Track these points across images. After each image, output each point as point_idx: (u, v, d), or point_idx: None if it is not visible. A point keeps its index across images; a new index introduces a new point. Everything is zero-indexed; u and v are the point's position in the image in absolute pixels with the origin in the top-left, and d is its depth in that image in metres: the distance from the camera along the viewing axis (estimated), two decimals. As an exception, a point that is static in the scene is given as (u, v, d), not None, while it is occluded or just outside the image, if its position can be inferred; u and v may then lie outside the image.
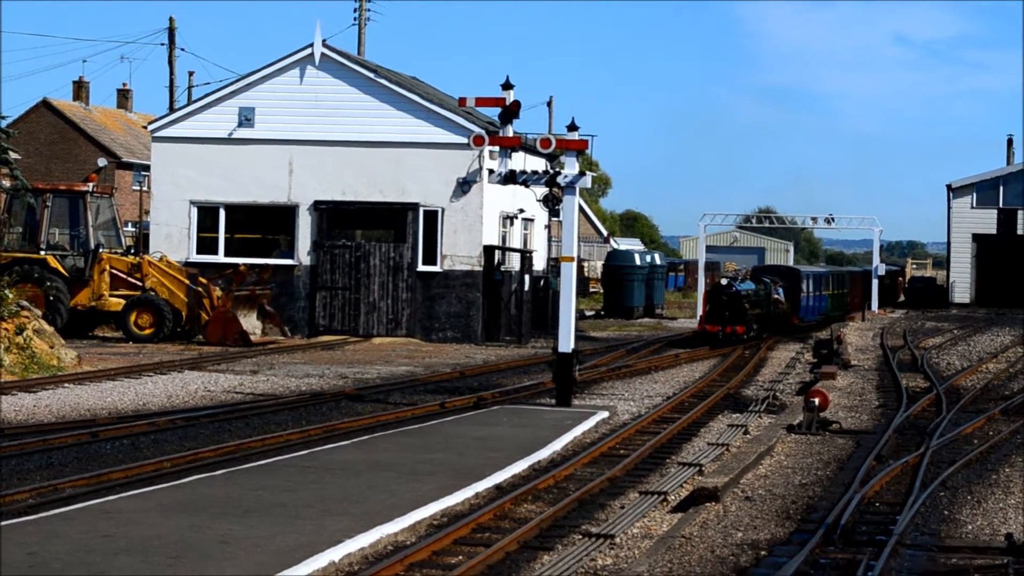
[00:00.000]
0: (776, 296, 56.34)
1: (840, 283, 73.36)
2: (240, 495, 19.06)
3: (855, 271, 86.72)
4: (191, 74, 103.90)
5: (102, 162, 60.65)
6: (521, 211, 55.31)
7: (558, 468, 22.83)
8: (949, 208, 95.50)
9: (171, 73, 74.47)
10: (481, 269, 51.38)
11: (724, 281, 52.24)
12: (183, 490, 19.52)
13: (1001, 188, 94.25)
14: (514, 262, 55.32)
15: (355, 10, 78.10)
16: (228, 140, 52.29)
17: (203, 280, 47.99)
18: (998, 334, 61.56)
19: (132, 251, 50.97)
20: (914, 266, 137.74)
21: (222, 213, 52.61)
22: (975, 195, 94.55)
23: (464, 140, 46.44)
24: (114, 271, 47.99)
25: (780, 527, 19.21)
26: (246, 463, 22.24)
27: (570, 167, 31.90)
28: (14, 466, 22.29)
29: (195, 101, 55.63)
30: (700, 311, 53.90)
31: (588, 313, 75.87)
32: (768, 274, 59.97)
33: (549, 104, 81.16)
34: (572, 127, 31.97)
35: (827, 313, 67.88)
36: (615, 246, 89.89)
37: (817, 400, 28.93)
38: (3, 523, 16.95)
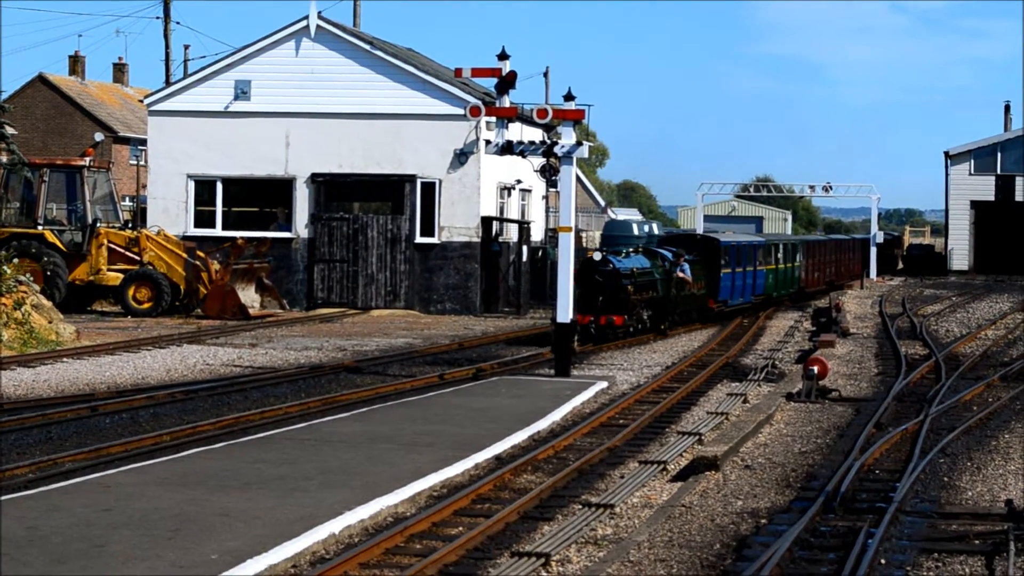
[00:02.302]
0: (681, 274, 44.20)
1: (789, 254, 60.72)
2: (239, 468, 19.06)
3: (817, 239, 74.48)
4: (187, 47, 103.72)
5: (99, 136, 60.44)
6: (518, 182, 55.24)
7: (557, 438, 22.83)
8: (947, 175, 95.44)
9: (167, 47, 74.29)
10: (479, 240, 51.33)
11: (597, 256, 40.23)
12: (182, 463, 19.52)
13: (999, 155, 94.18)
14: (512, 233, 55.28)
15: (350, -18, 77.92)
16: (224, 113, 52.20)
17: (201, 254, 47.95)
18: (997, 301, 61.57)
19: (130, 225, 50.92)
20: (912, 234, 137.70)
21: (219, 186, 52.55)
22: (973, 162, 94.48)
23: (461, 111, 46.40)
24: (112, 245, 47.94)
25: (780, 495, 19.21)
26: (245, 436, 22.25)
27: (567, 137, 31.84)
28: (13, 441, 22.29)
29: (191, 75, 55.55)
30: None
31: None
32: (674, 245, 47.75)
33: (546, 74, 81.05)
34: (569, 97, 31.89)
35: (766, 293, 56.01)
36: (613, 216, 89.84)
37: (816, 368, 28.93)
38: (3, 497, 16.95)
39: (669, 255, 44.33)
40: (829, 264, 73.45)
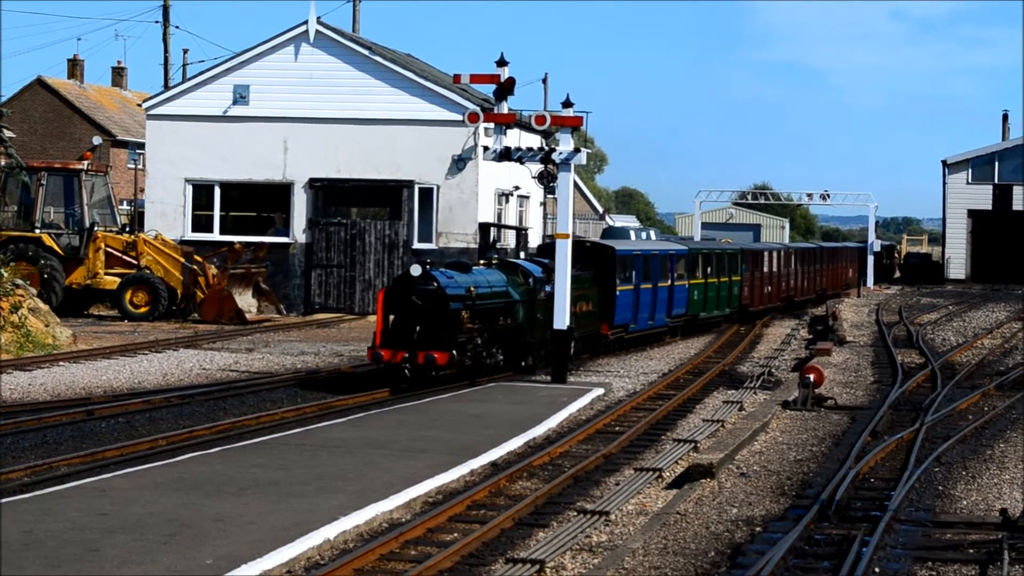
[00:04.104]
0: (548, 293, 33.17)
1: (726, 265, 51.16)
2: (235, 473, 19.07)
3: (770, 246, 62.99)
4: (186, 52, 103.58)
5: (97, 140, 60.47)
6: (516, 188, 55.27)
7: (553, 445, 22.85)
8: (944, 184, 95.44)
9: (166, 51, 74.36)
10: (476, 246, 51.33)
11: (416, 269, 30.07)
12: (178, 468, 19.52)
13: (996, 164, 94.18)
14: (509, 239, 55.30)
15: (350, -13, 77.93)
16: (223, 118, 52.21)
17: (198, 258, 47.96)
18: (993, 310, 61.58)
19: (127, 229, 50.91)
20: (909, 242, 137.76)
21: (217, 191, 52.56)
22: (970, 171, 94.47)
23: (459, 117, 46.40)
24: (109, 249, 47.94)
25: (775, 503, 19.23)
26: (241, 441, 22.26)
27: (565, 144, 31.88)
28: (9, 444, 22.29)
29: (190, 79, 55.56)
30: (377, 322, 30.26)
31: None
32: (553, 255, 34.17)
33: (544, 80, 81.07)
34: (567, 104, 31.93)
35: (690, 312, 46.66)
36: (610, 223, 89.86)
37: (812, 376, 28.96)
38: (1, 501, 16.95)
39: (536, 270, 34.14)
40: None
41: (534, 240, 58.47)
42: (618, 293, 38.82)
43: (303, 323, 47.57)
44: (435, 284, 29.86)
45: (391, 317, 29.86)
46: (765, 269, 57.49)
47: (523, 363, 33.47)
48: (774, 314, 56.87)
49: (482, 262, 34.67)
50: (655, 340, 43.30)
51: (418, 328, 29.53)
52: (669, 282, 43.92)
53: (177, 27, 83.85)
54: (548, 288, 33.15)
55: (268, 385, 30.17)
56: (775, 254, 60.03)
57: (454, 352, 29.38)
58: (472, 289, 30.52)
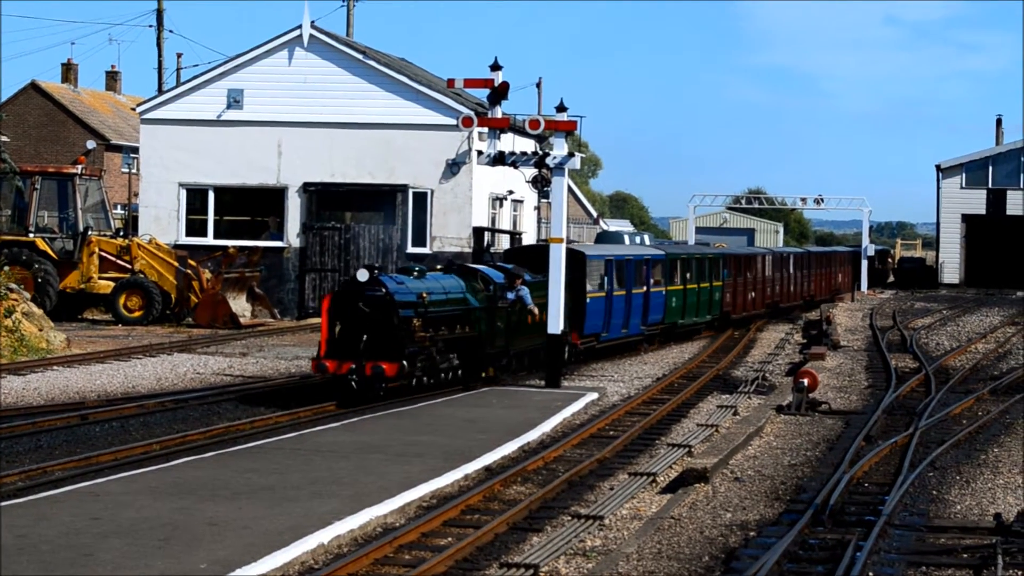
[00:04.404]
0: (510, 299, 32.02)
1: (707, 270, 49.19)
2: (229, 478, 19.06)
3: (755, 251, 60.97)
4: (179, 56, 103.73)
5: (91, 144, 60.51)
6: (510, 192, 55.29)
7: (547, 450, 22.85)
8: (938, 188, 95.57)
9: (159, 55, 74.33)
10: (470, 251, 51.33)
11: (363, 275, 28.14)
12: (172, 473, 19.51)
13: (990, 168, 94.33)
14: (504, 244, 55.29)
15: (344, -9, 77.91)
16: (217, 122, 52.21)
17: (192, 262, 47.93)
18: (987, 314, 61.65)
19: (121, 233, 50.88)
20: (904, 247, 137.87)
21: (211, 195, 52.55)
22: (964, 175, 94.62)
23: (453, 121, 46.35)
24: (103, 253, 47.92)
25: (769, 508, 19.23)
26: (235, 446, 22.24)
27: (559, 148, 31.90)
28: (3, 449, 22.26)
29: (184, 83, 55.53)
30: (322, 330, 28.51)
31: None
32: (521, 260, 36.24)
33: (538, 85, 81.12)
34: (561, 108, 31.96)
35: (667, 320, 44.77)
36: (605, 227, 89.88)
37: (806, 381, 28.97)
38: (-8, 506, 16.93)
39: (498, 276, 32.20)
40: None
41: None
42: (588, 301, 37.14)
43: (297, 327, 47.55)
44: (383, 290, 27.99)
45: (337, 326, 28.08)
46: (749, 274, 55.43)
47: (483, 374, 31.43)
48: (761, 320, 55.47)
49: (439, 267, 33.01)
50: (629, 349, 41.53)
51: (365, 337, 27.68)
52: (645, 288, 42.27)
53: (171, 31, 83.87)
54: (510, 295, 31.82)
55: (262, 390, 30.12)
56: (759, 259, 57.94)
57: (404, 363, 27.58)
58: (424, 296, 28.77)
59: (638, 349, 42.06)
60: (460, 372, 30.47)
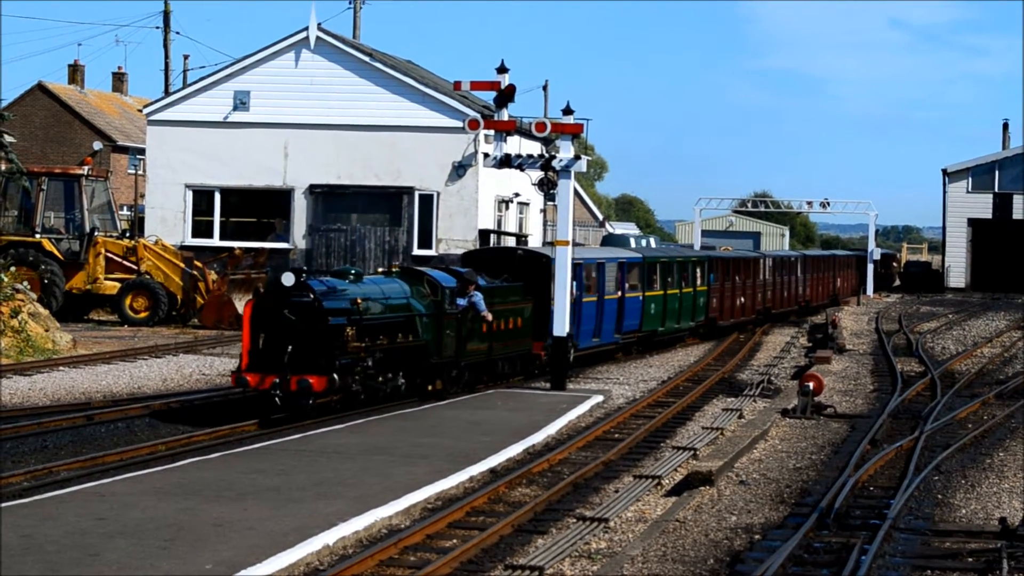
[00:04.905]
0: (461, 306, 29.83)
1: (690, 274, 46.41)
2: (234, 478, 19.08)
3: (744, 254, 57.22)
4: (186, 57, 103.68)
5: (97, 145, 60.61)
6: (516, 195, 55.29)
7: (552, 452, 22.86)
8: (945, 192, 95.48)
9: (166, 56, 74.39)
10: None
11: (288, 279, 25.77)
12: (177, 473, 19.53)
13: (997, 173, 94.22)
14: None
15: (351, -7, 77.96)
16: (223, 124, 52.25)
17: (198, 264, 47.97)
18: (993, 318, 61.61)
19: (127, 234, 50.91)
20: (910, 250, 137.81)
21: (217, 197, 52.58)
22: (970, 180, 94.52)
23: (459, 124, 46.44)
24: (109, 254, 47.95)
25: (774, 511, 19.23)
26: (240, 446, 22.26)
27: (565, 151, 31.91)
28: (9, 449, 22.29)
29: (190, 85, 55.60)
30: (244, 340, 26.17)
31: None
32: (480, 264, 33.80)
33: (545, 88, 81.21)
34: (567, 111, 31.97)
35: (645, 328, 41.80)
36: (610, 230, 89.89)
37: (812, 384, 28.97)
38: (-2, 506, 16.96)
39: (448, 280, 29.86)
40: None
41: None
42: (554, 308, 33.27)
43: (303, 329, 47.48)
44: (311, 296, 25.63)
45: (261, 336, 25.72)
46: (738, 279, 52.51)
47: (429, 387, 29.12)
48: (751, 327, 53.26)
49: (380, 270, 31.18)
50: (603, 359, 38.64)
51: (290, 348, 25.32)
52: (619, 294, 39.35)
53: (178, 33, 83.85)
54: (461, 301, 29.73)
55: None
56: (749, 263, 54.90)
57: (334, 376, 25.30)
58: (359, 301, 26.33)
59: (614, 360, 39.49)
60: (403, 385, 27.95)
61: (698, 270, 47.24)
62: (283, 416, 25.17)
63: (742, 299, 52.87)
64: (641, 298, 41.14)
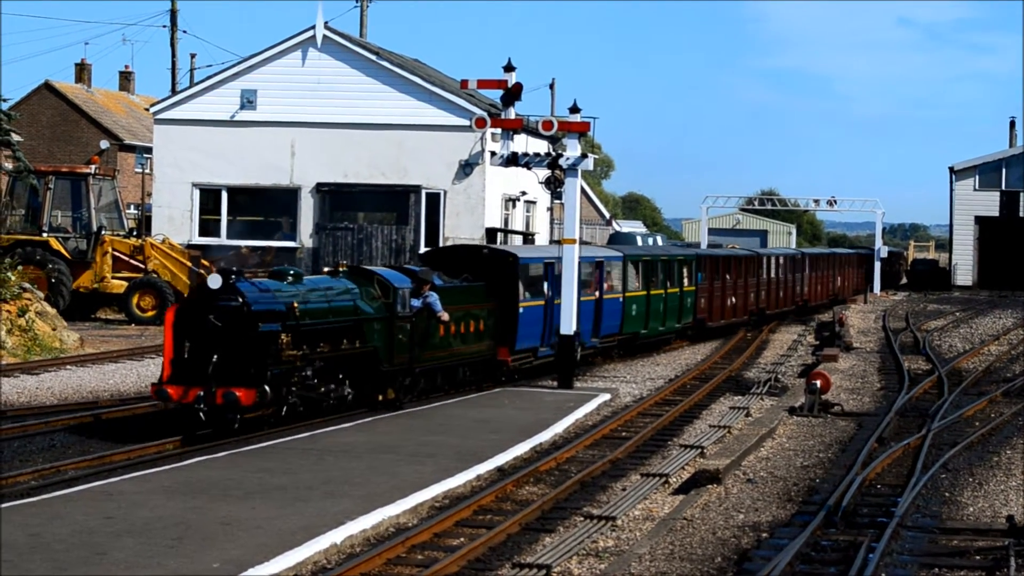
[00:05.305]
0: (416, 307, 27.58)
1: (676, 274, 44.21)
2: (242, 477, 19.09)
3: (736, 253, 54.46)
4: (193, 56, 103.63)
5: (104, 144, 60.54)
6: (523, 193, 55.29)
7: (560, 450, 22.86)
8: (952, 190, 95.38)
9: (173, 55, 74.40)
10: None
11: (215, 281, 23.64)
12: (185, 472, 19.55)
13: (1004, 170, 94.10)
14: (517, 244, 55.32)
15: (357, -8, 77.96)
16: (230, 122, 52.25)
17: (205, 262, 47.97)
18: (1000, 316, 61.55)
19: (134, 233, 50.95)
20: (917, 248, 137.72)
21: (224, 195, 52.60)
22: (978, 177, 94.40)
23: (466, 122, 46.39)
24: (116, 253, 47.98)
25: (782, 509, 19.23)
26: (248, 445, 22.26)
27: (572, 149, 31.91)
28: (16, 448, 22.32)
29: (197, 83, 55.58)
30: (166, 349, 23.88)
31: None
32: (440, 264, 31.46)
33: (551, 86, 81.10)
34: (574, 109, 31.98)
35: (627, 331, 39.60)
36: (617, 229, 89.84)
37: (819, 382, 28.96)
38: (5, 505, 16.97)
39: (402, 280, 27.57)
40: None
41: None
42: (521, 310, 31.95)
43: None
44: (240, 299, 23.37)
45: (187, 344, 23.57)
46: (729, 278, 50.12)
47: (380, 397, 26.98)
48: (743, 329, 51.05)
49: (326, 270, 29.30)
50: (579, 365, 34.31)
51: (216, 358, 23.10)
52: (597, 295, 36.90)
53: (185, 32, 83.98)
54: (416, 302, 27.56)
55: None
56: (741, 261, 52.27)
57: (266, 388, 23.11)
58: (296, 305, 24.17)
59: (594, 364, 37.56)
60: (351, 395, 25.87)
61: (685, 269, 45.18)
62: (209, 432, 22.97)
63: (733, 299, 50.65)
64: (621, 299, 39.00)
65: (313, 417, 24.69)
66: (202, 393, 22.84)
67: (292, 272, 25.45)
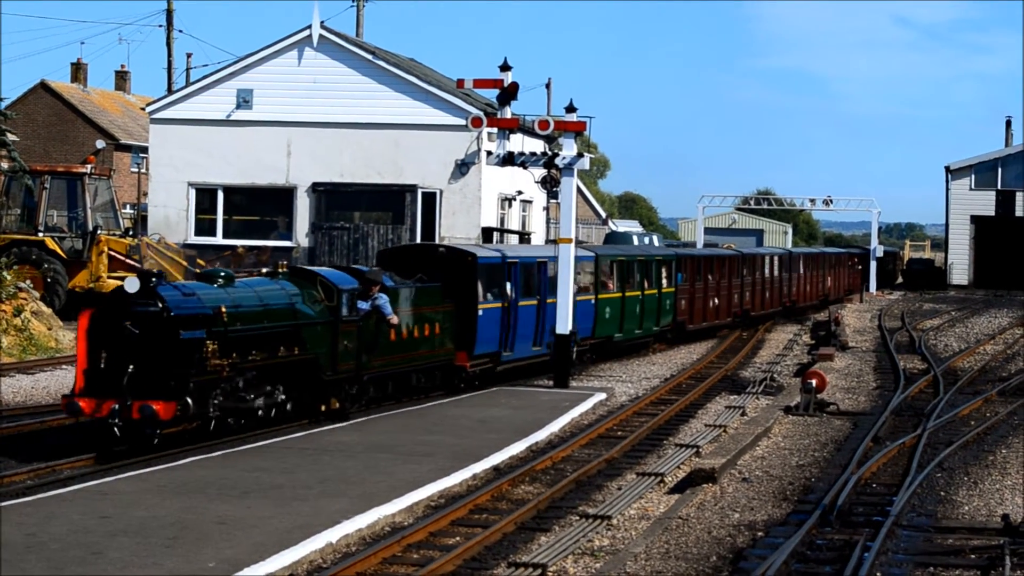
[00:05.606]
0: (364, 310, 26.16)
1: (653, 274, 42.66)
2: (238, 476, 19.09)
3: (718, 252, 52.68)
4: (189, 56, 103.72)
5: (100, 144, 60.45)
6: (519, 193, 55.29)
7: (556, 449, 22.88)
8: (948, 190, 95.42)
9: (169, 55, 74.36)
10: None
11: (132, 284, 21.94)
12: (180, 471, 19.55)
13: (1000, 170, 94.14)
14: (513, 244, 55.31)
15: (353, -8, 77.95)
16: (226, 122, 52.24)
17: (201, 262, 47.97)
18: (996, 316, 61.58)
19: (130, 233, 50.92)
20: (913, 248, 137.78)
21: (220, 195, 52.58)
22: (974, 177, 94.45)
23: (462, 122, 46.45)
24: (112, 253, 47.95)
25: (777, 508, 19.24)
26: (243, 444, 22.26)
27: (568, 149, 31.93)
28: (12, 447, 22.28)
29: (193, 83, 55.58)
30: (78, 358, 22.48)
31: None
32: (393, 264, 30.07)
33: (548, 86, 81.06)
34: (570, 108, 31.99)
35: (599, 335, 37.95)
36: (613, 228, 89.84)
37: (815, 382, 28.97)
38: (1, 504, 16.97)
39: (348, 282, 25.92)
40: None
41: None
42: (480, 313, 30.48)
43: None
44: (159, 304, 21.66)
45: (102, 353, 21.88)
46: (711, 278, 48.50)
47: (323, 407, 25.18)
48: (724, 331, 49.65)
49: (265, 271, 27.57)
50: (547, 370, 33.50)
51: (131, 368, 21.37)
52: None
53: (180, 31, 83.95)
54: (364, 305, 26.08)
55: None
56: (724, 261, 50.59)
57: (188, 400, 21.44)
58: (224, 309, 22.47)
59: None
60: (290, 407, 24.29)
61: (663, 269, 43.60)
62: (125, 449, 21.31)
63: (716, 300, 48.90)
64: (593, 301, 37.27)
65: (244, 431, 22.93)
66: (117, 407, 21.18)
67: (223, 274, 23.75)
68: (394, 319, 26.73)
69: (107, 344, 21.78)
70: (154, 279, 22.11)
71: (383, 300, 26.59)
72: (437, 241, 50.59)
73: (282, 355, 23.77)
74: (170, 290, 22.16)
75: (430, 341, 28.78)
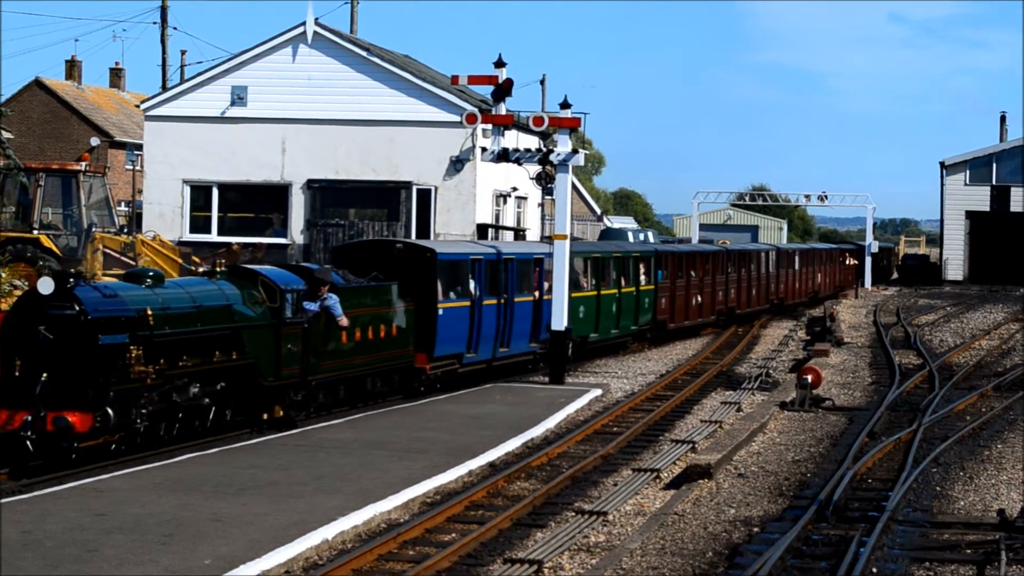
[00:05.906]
0: (312, 311, 24.87)
1: (631, 272, 41.42)
2: (233, 474, 19.09)
3: (701, 248, 52.07)
4: (183, 53, 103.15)
5: (95, 141, 60.48)
6: (514, 189, 55.25)
7: (551, 446, 22.88)
8: (942, 185, 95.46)
9: (163, 52, 74.30)
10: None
11: (47, 286, 20.42)
12: (176, 469, 19.54)
13: (994, 165, 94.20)
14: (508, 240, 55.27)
15: (348, -12, 77.85)
16: (221, 119, 52.16)
17: (196, 259, 47.92)
18: (991, 311, 61.62)
19: (125, 230, 50.85)
20: (908, 243, 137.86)
21: (215, 192, 52.50)
22: (968, 172, 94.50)
23: (457, 118, 46.39)
24: (107, 250, 47.87)
25: (773, 503, 19.25)
26: (239, 441, 22.25)
27: (563, 145, 31.94)
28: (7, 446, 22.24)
29: (188, 80, 55.50)
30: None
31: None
32: (350, 261, 29.40)
33: (542, 82, 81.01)
34: (565, 105, 31.99)
35: (573, 334, 34.54)
36: (608, 224, 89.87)
37: (810, 377, 28.99)
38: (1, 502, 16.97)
39: (294, 281, 24.57)
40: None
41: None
42: (440, 312, 29.17)
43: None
44: (76, 307, 20.10)
45: (16, 360, 20.28)
46: (693, 275, 46.95)
47: (265, 416, 23.76)
48: (708, 329, 48.51)
49: (202, 270, 24.05)
50: (514, 372, 33.05)
51: (45, 376, 19.92)
52: (536, 295, 33.88)
53: (175, 28, 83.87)
54: (312, 306, 24.77)
55: None
56: (708, 257, 49.08)
57: (108, 411, 19.94)
58: (150, 312, 21.00)
59: (527, 372, 34.32)
60: (227, 416, 22.99)
61: (642, 266, 42.14)
62: (40, 463, 19.86)
63: (698, 299, 47.35)
64: (569, 300, 33.94)
65: (175, 443, 21.54)
66: (29, 418, 19.68)
67: (152, 274, 22.40)
68: (344, 321, 25.39)
69: (21, 351, 20.21)
70: (72, 279, 20.82)
71: (333, 301, 25.29)
72: (432, 238, 50.61)
73: (217, 360, 22.38)
74: (89, 291, 20.66)
75: (385, 343, 27.35)
